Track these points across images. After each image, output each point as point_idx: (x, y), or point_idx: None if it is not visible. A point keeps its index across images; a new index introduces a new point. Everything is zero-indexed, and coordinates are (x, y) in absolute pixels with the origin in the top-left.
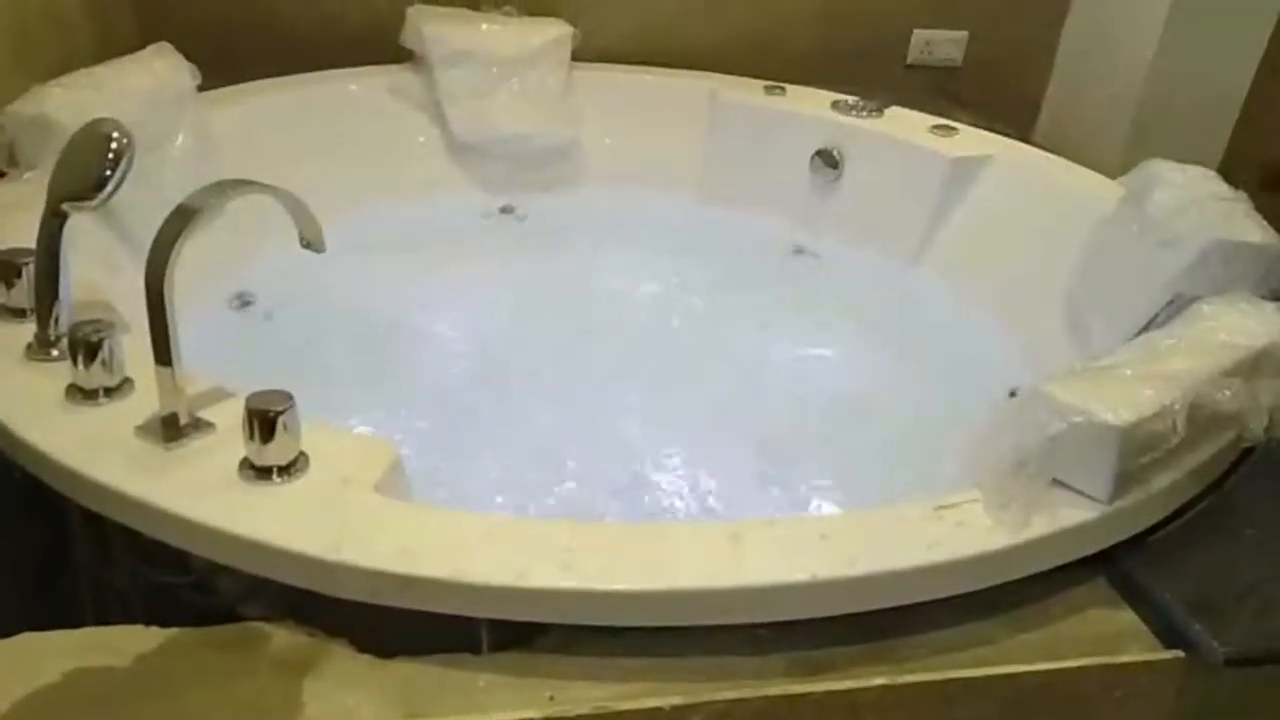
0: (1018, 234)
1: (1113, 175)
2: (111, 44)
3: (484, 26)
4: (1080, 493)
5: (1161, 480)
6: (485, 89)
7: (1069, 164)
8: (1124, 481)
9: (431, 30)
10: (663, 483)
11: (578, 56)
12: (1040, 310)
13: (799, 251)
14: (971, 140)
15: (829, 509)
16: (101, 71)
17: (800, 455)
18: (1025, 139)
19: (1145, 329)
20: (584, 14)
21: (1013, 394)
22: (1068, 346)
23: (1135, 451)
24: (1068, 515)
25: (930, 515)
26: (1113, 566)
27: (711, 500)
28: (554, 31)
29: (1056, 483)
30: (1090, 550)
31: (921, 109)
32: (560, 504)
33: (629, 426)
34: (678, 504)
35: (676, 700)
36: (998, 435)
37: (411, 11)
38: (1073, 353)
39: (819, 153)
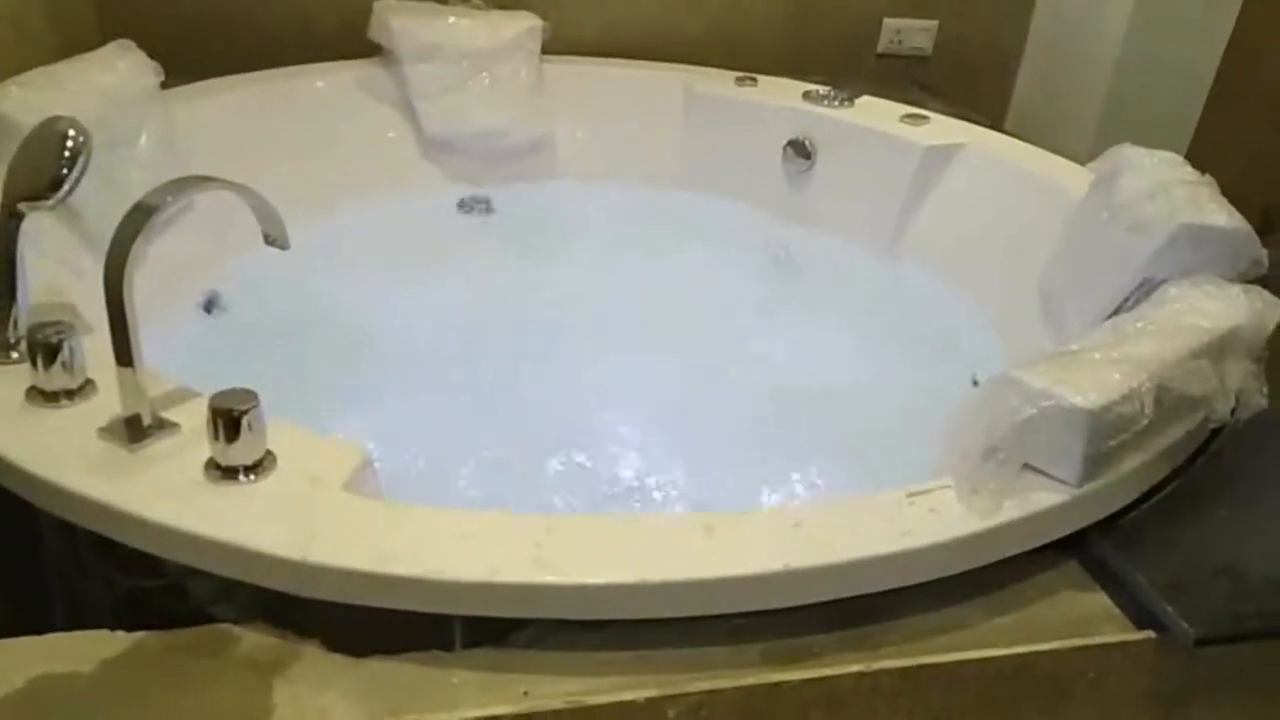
0: (991, 221)
1: (1084, 162)
2: (75, 49)
3: (452, 20)
4: (1051, 476)
5: (1131, 463)
6: (455, 83)
7: (1041, 151)
8: (1093, 464)
9: (399, 24)
10: (643, 474)
11: (548, 49)
12: (1014, 296)
13: (773, 242)
14: (943, 128)
15: (807, 497)
16: (61, 69)
17: (778, 444)
18: (997, 127)
19: (1115, 313)
20: (554, 6)
21: (975, 383)
22: (1042, 332)
23: (1104, 434)
24: (1038, 499)
25: (902, 502)
26: (1084, 549)
27: (692, 491)
28: (524, 24)
29: (1027, 467)
30: (1061, 534)
31: (892, 98)
32: (537, 500)
33: (607, 420)
34: (657, 495)
35: (651, 693)
36: (968, 422)
37: (379, 5)
38: (1047, 338)
39: (791, 143)
